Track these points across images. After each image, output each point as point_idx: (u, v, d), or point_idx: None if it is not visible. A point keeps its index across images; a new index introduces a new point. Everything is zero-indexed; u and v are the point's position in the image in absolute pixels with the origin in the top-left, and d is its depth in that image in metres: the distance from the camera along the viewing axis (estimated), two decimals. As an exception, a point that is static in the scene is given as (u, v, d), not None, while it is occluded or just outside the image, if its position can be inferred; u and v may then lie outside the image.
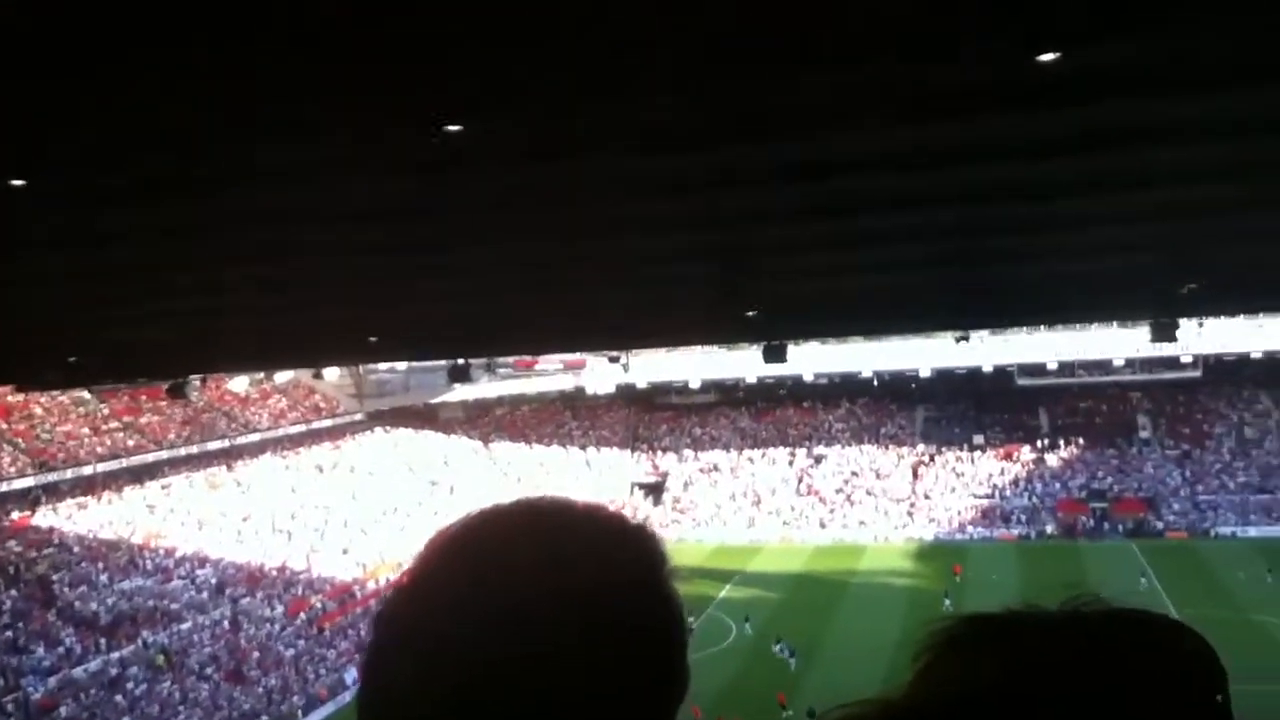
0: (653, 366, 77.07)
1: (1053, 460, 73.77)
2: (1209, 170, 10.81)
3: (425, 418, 77.41)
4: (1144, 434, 74.85)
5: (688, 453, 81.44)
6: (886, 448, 78.27)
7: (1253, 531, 63.51)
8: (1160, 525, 65.85)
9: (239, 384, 63.97)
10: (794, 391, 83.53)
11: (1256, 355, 72.33)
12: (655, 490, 77.73)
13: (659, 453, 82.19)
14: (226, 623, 46.68)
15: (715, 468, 79.26)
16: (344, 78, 7.16)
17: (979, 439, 77.25)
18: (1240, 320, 63.90)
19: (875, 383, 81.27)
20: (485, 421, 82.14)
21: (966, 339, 30.90)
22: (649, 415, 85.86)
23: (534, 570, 0.99)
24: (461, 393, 72.14)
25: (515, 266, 15.03)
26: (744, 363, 70.15)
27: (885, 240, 13.73)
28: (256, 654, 44.90)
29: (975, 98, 8.01)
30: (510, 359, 66.81)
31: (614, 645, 0.99)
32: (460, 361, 31.05)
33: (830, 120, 8.46)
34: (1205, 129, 9.30)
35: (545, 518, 1.08)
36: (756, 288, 17.38)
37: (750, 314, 20.26)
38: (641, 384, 79.46)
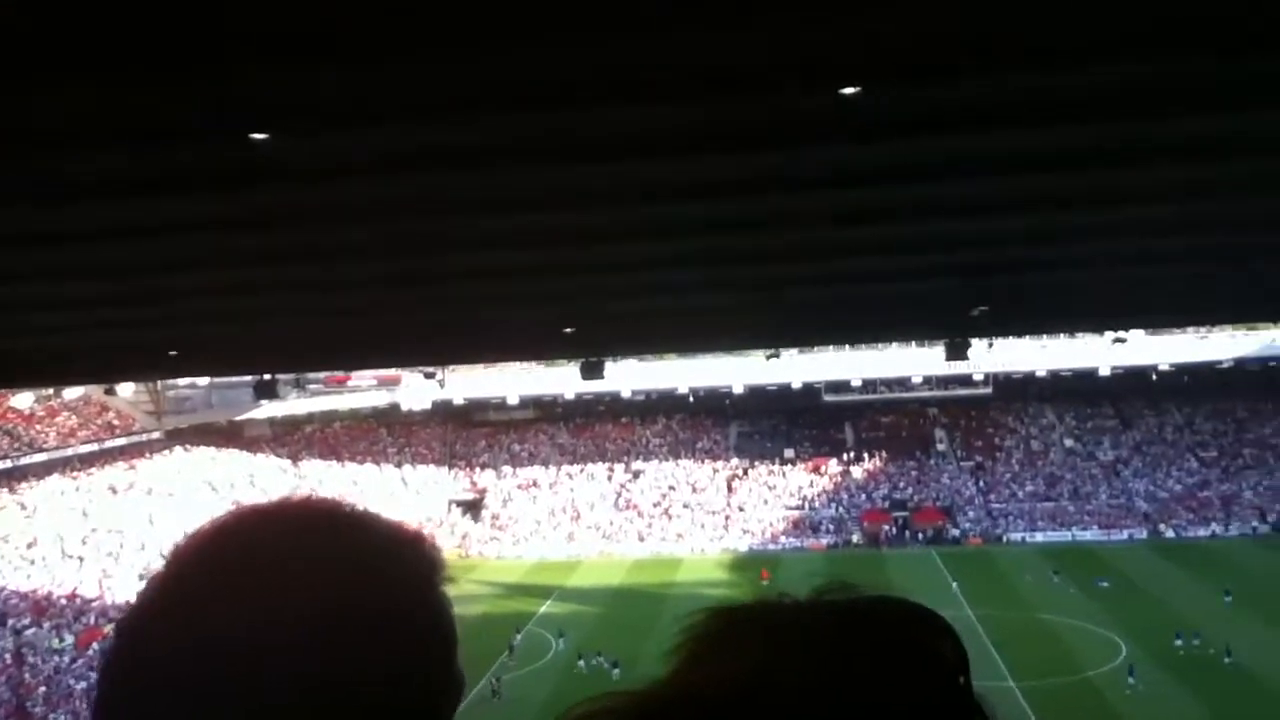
0: (470, 383, 76.24)
1: (858, 473, 76.92)
2: (999, 202, 11.55)
3: (229, 435, 74.10)
4: (941, 447, 79.01)
5: (506, 469, 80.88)
6: (702, 462, 79.85)
7: (1039, 537, 67.87)
8: (957, 533, 69.54)
9: (23, 400, 59.81)
10: (612, 408, 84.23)
11: (1041, 374, 78.01)
12: (474, 507, 76.82)
13: (477, 470, 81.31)
14: (8, 656, 43.46)
15: (534, 484, 79.00)
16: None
17: (789, 453, 79.81)
18: (1027, 341, 68.65)
19: (691, 399, 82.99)
20: (294, 439, 79.28)
21: (777, 357, 32.00)
22: (466, 432, 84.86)
23: (300, 568, 0.98)
24: (269, 409, 69.45)
25: (328, 283, 14.65)
26: (562, 379, 70.28)
27: (700, 262, 14.05)
28: (43, 689, 41.96)
29: (776, 130, 8.30)
30: (321, 374, 64.84)
31: (375, 642, 0.99)
32: (267, 377, 29.95)
33: (641, 149, 8.62)
34: (992, 163, 9.92)
35: (309, 518, 1.08)
36: (575, 305, 17.48)
37: (568, 331, 20.36)
38: (458, 400, 78.47)
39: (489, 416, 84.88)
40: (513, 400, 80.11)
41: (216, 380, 63.71)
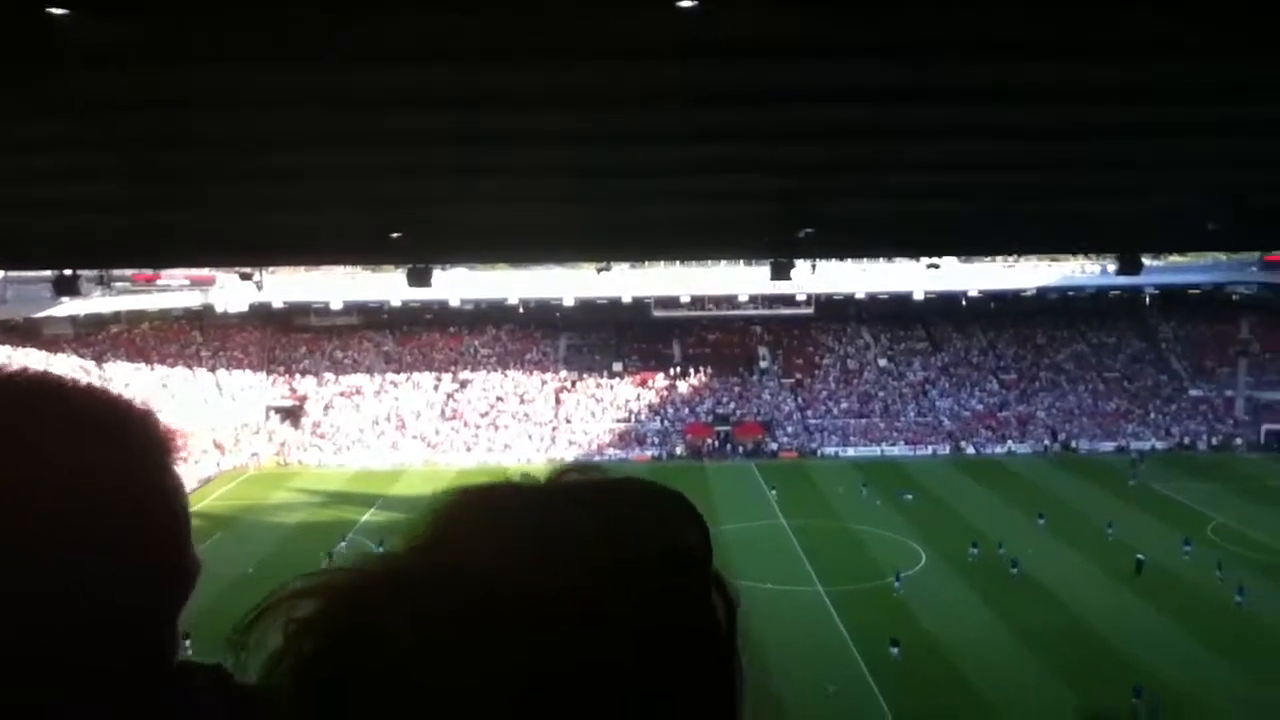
0: (290, 286, 73.67)
1: (683, 387, 78.49)
2: (818, 130, 11.72)
3: (25, 334, 69.46)
4: (764, 364, 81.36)
5: (328, 376, 78.89)
6: (530, 373, 79.83)
7: (851, 452, 71.12)
8: (775, 446, 72.09)
9: None
10: (440, 316, 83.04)
11: (860, 296, 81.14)
12: (293, 415, 74.78)
13: (297, 376, 78.98)
14: None
15: (358, 391, 77.42)
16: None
17: (618, 366, 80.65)
18: (848, 264, 71.05)
19: (520, 310, 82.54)
20: (99, 340, 74.91)
21: (608, 270, 32.02)
22: (286, 337, 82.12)
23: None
24: (70, 307, 65.37)
25: (126, 172, 13.70)
26: (388, 285, 68.77)
27: (528, 173, 13.79)
28: None
29: (609, 41, 8.14)
30: (129, 271, 61.35)
31: (99, 522, 0.93)
32: (68, 272, 28.03)
33: (454, 55, 8.32)
34: (811, 92, 10.03)
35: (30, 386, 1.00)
36: (400, 210, 16.95)
37: (395, 236, 19.76)
38: (278, 304, 75.82)
39: (310, 322, 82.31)
40: (336, 305, 77.92)
41: (10, 274, 59.44)
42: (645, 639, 0.78)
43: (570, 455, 69.72)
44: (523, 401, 76.20)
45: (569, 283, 76.51)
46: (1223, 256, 77.86)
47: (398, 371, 79.79)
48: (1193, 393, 76.56)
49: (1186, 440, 71.42)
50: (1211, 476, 62.55)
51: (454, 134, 11.66)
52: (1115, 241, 20.09)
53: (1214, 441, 71.19)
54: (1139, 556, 45.30)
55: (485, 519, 0.85)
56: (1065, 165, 13.93)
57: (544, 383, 78.75)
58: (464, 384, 78.33)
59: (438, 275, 25.63)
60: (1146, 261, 21.88)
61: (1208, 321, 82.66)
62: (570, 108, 10.16)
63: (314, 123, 11.08)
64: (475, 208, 16.34)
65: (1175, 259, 74.68)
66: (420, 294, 54.14)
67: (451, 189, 14.88)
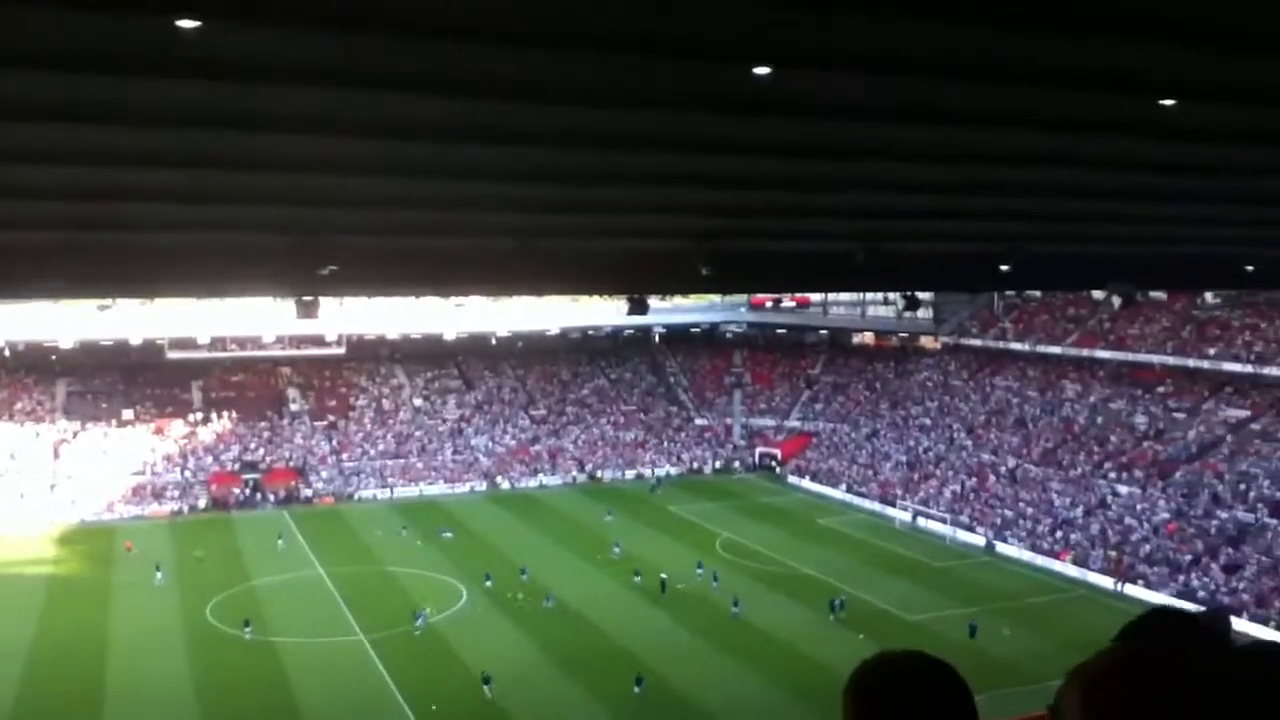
0: None
1: (205, 434, 73.32)
2: (336, 163, 11.47)
3: None
4: (294, 406, 78.24)
5: None
6: (22, 424, 70.57)
7: (390, 493, 70.26)
8: (310, 493, 69.41)
9: None
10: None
11: (392, 336, 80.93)
12: None
13: None
14: None
15: None
16: None
17: (129, 414, 73.66)
18: (379, 303, 70.51)
19: (7, 353, 72.64)
20: None
21: (109, 307, 29.04)
22: None
23: None
24: None
25: None
26: None
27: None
28: None
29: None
30: None
31: None
32: None
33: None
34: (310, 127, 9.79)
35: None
36: None
37: None
38: None
39: None
40: None
41: None
42: None
43: (75, 515, 62.27)
44: (14, 458, 66.97)
45: (66, 322, 68.71)
46: (717, 298, 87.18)
47: None
48: (698, 421, 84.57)
49: (695, 465, 78.64)
50: (717, 497, 69.36)
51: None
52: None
53: (718, 465, 79.02)
54: (662, 575, 49.09)
55: None
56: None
57: (39, 434, 69.88)
58: (-65, 441, 67.44)
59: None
60: (653, 303, 23.74)
61: (708, 357, 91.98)
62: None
63: None
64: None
65: (677, 300, 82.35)
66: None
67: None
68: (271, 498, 68.43)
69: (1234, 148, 12.97)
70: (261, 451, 72.62)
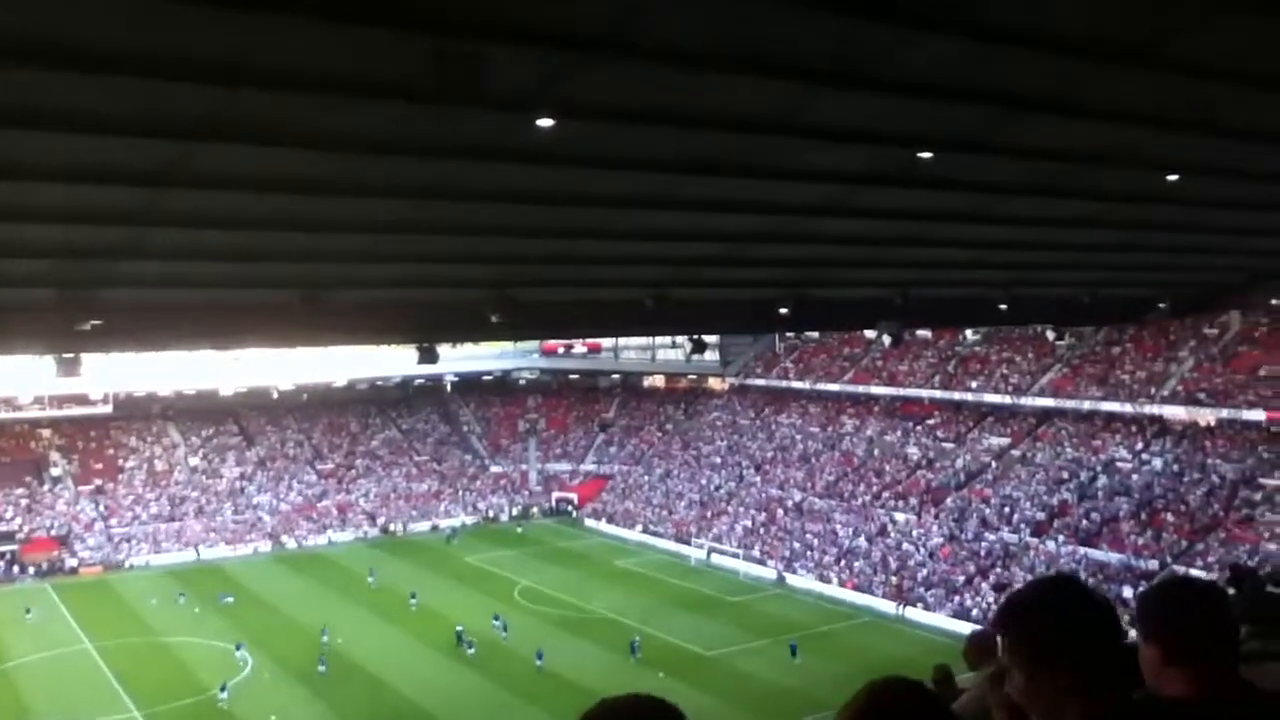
0: None
1: (-47, 505, 66.99)
2: (101, 212, 10.86)
3: None
4: (56, 470, 72.60)
5: None
6: None
7: (165, 559, 65.98)
8: (75, 562, 64.37)
9: None
10: None
11: (164, 393, 76.49)
12: None
13: None
14: None
15: None
16: None
17: None
18: (149, 357, 66.55)
19: None
20: None
21: None
22: None
23: None
24: None
25: None
26: None
27: None
28: None
29: None
30: None
31: None
32: None
33: None
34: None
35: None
36: None
37: None
38: None
39: None
40: None
41: None
42: None
43: None
44: None
45: None
46: (509, 345, 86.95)
47: None
48: (494, 469, 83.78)
49: (491, 513, 77.73)
50: (514, 544, 68.74)
51: None
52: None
53: (515, 512, 78.37)
54: (458, 628, 48.04)
55: None
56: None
57: None
58: None
59: None
60: (444, 350, 23.48)
61: (501, 404, 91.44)
62: None
63: None
64: None
65: (469, 348, 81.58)
66: None
67: None
68: (31, 570, 63.04)
69: (986, 195, 14.10)
70: (19, 520, 66.86)
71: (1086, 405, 60.52)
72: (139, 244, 12.50)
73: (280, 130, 8.76)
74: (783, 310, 20.51)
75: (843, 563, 57.92)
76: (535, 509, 79.26)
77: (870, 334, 67.44)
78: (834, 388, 75.44)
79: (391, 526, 73.81)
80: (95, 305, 14.87)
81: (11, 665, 45.77)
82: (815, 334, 77.53)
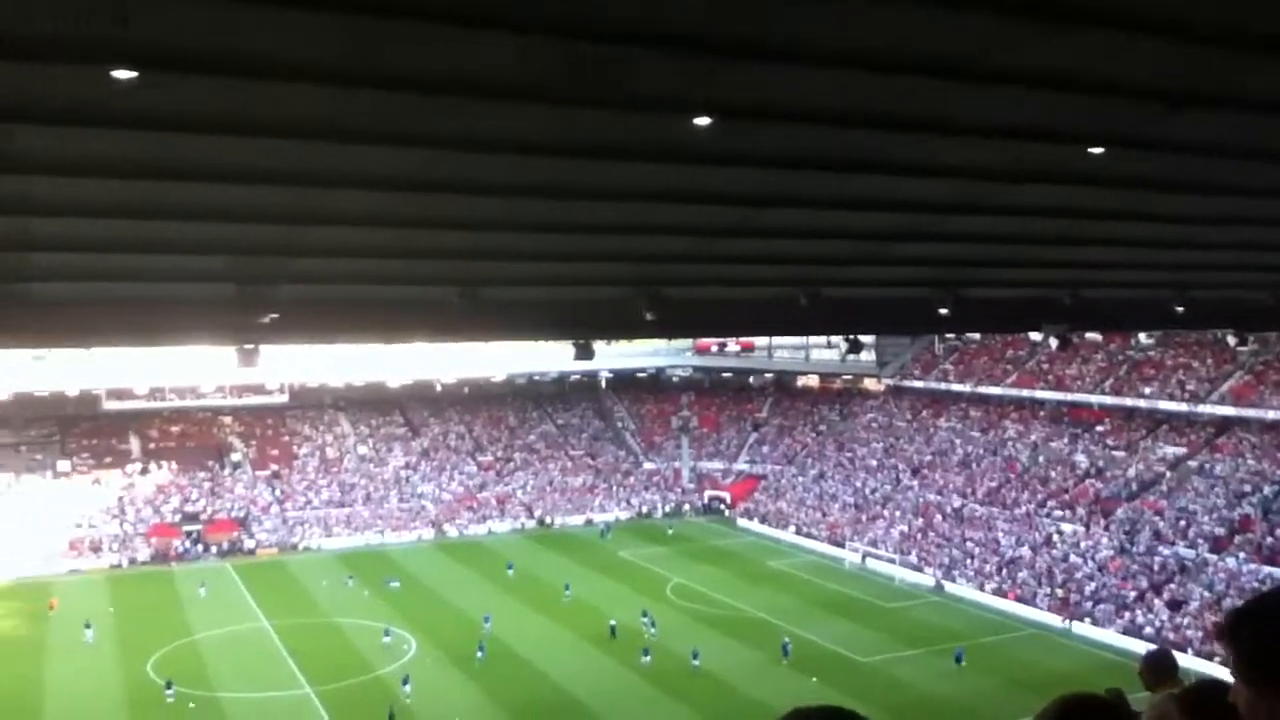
0: None
1: (145, 485, 71.80)
2: (277, 212, 11.47)
3: None
4: (236, 456, 76.97)
5: None
6: (-48, 480, 68.67)
7: (335, 543, 69.13)
8: (253, 544, 68.12)
9: None
10: None
11: (335, 384, 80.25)
12: None
13: None
14: None
15: None
16: None
17: (64, 465, 71.98)
18: (321, 350, 69.90)
19: (-62, 406, 71.23)
20: None
21: (44, 357, 28.44)
22: None
23: None
24: None
25: None
26: None
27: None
28: None
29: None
30: None
31: None
32: None
33: None
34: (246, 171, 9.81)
35: None
36: None
37: None
38: None
39: None
40: None
41: None
42: None
43: (9, 573, 60.25)
44: (-59, 514, 64.99)
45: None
46: (663, 343, 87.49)
47: None
48: (647, 465, 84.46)
49: (645, 509, 78.39)
50: (667, 541, 69.13)
51: None
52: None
53: (667, 509, 78.84)
54: (611, 622, 48.67)
55: None
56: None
57: (-30, 490, 67.96)
58: None
59: None
60: (599, 347, 23.80)
61: (654, 401, 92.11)
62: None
63: None
64: None
65: (623, 345, 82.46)
66: None
67: None
68: (214, 549, 67.05)
69: (1163, 195, 13.42)
70: (203, 502, 71.22)
71: (1270, 415, 56.84)
72: (307, 242, 13.10)
73: (439, 132, 9.06)
74: (942, 310, 19.95)
75: (1004, 572, 56.05)
76: (688, 506, 79.55)
77: (1035, 336, 65.05)
78: (996, 391, 73.07)
79: (547, 519, 75.31)
80: (272, 300, 15.65)
81: (199, 637, 48.75)
82: (976, 335, 75.21)
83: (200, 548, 67.09)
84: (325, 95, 7.86)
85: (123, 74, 6.94)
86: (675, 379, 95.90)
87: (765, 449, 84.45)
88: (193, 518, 69.38)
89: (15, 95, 7.73)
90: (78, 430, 75.42)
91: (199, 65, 7.09)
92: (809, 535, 68.38)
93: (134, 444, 76.07)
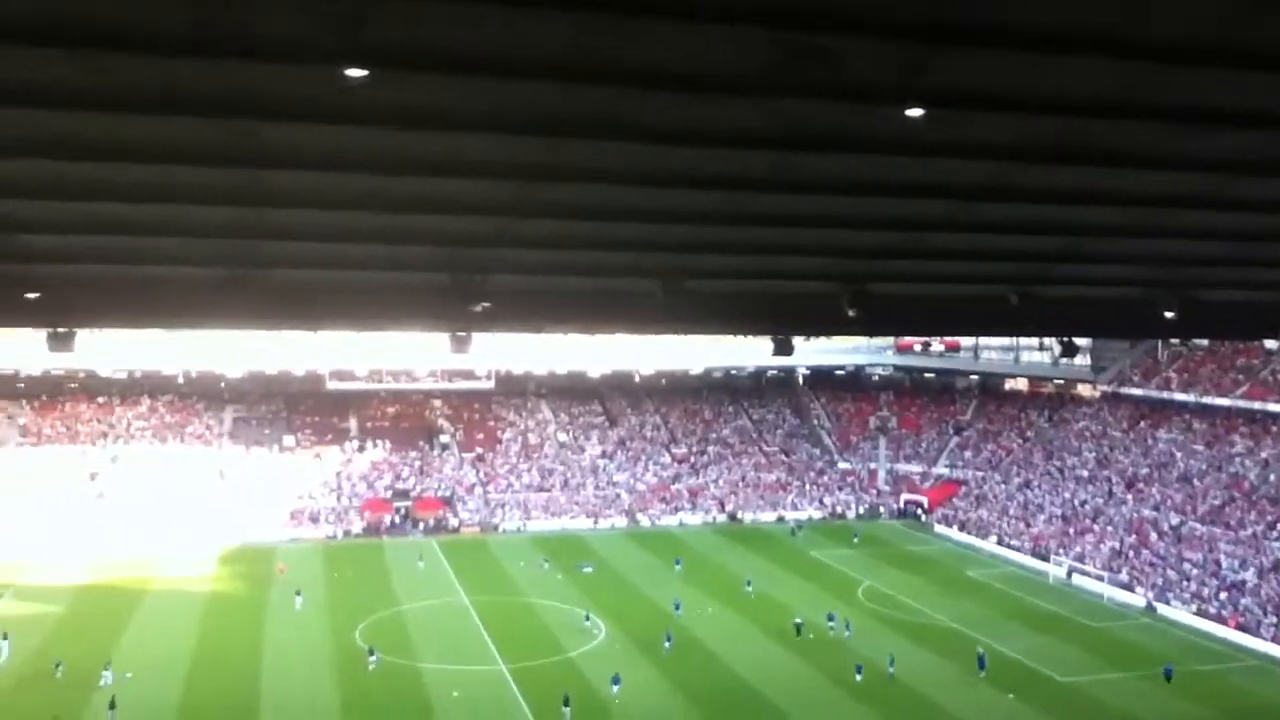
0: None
1: (361, 462, 76.05)
2: (493, 205, 11.93)
3: None
4: (444, 438, 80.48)
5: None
6: (193, 447, 74.68)
7: (533, 526, 71.36)
8: (456, 522, 71.13)
9: None
10: (86, 385, 76.72)
11: (539, 372, 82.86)
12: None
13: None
14: None
15: (-14, 469, 69.05)
16: None
17: (289, 440, 77.10)
18: (526, 339, 72.36)
19: (180, 380, 77.82)
20: None
21: (274, 340, 30.59)
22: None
23: None
24: None
25: None
26: (23, 351, 62.74)
27: (166, 232, 13.08)
28: None
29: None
30: None
31: None
32: None
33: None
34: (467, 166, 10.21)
35: None
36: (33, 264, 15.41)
37: (31, 296, 17.89)
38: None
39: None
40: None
41: None
42: None
43: (239, 537, 65.09)
44: (184, 479, 70.72)
45: (233, 353, 72.95)
46: (863, 340, 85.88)
47: (36, 444, 72.27)
48: (842, 465, 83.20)
49: (838, 509, 77.27)
50: (860, 543, 67.89)
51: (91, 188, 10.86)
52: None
53: (861, 510, 77.45)
54: (797, 620, 48.27)
55: None
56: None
57: (208, 458, 73.73)
58: (114, 459, 71.89)
59: (83, 339, 23.46)
60: (798, 343, 23.59)
61: (852, 400, 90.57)
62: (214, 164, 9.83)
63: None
64: (130, 266, 15.17)
65: (822, 341, 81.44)
66: (62, 360, 49.48)
67: (89, 244, 13.75)
68: (420, 525, 70.40)
69: None
70: (412, 480, 74.85)
71: None
72: (520, 234, 13.55)
73: (633, 124, 9.21)
74: (1168, 314, 18.75)
75: (1225, 597, 52.30)
76: (883, 509, 77.91)
77: (1270, 344, 60.32)
78: (1223, 402, 68.16)
79: (739, 514, 75.31)
80: (485, 290, 16.27)
81: (406, 608, 51.32)
82: (1204, 341, 70.34)
83: (409, 524, 70.57)
84: (551, 90, 8.13)
85: (354, 72, 7.38)
86: (875, 377, 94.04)
87: (967, 453, 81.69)
88: (403, 494, 73.01)
89: (258, 95, 8.32)
90: (302, 408, 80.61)
91: (430, 63, 7.46)
92: (1011, 546, 65.72)
93: (352, 423, 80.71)
